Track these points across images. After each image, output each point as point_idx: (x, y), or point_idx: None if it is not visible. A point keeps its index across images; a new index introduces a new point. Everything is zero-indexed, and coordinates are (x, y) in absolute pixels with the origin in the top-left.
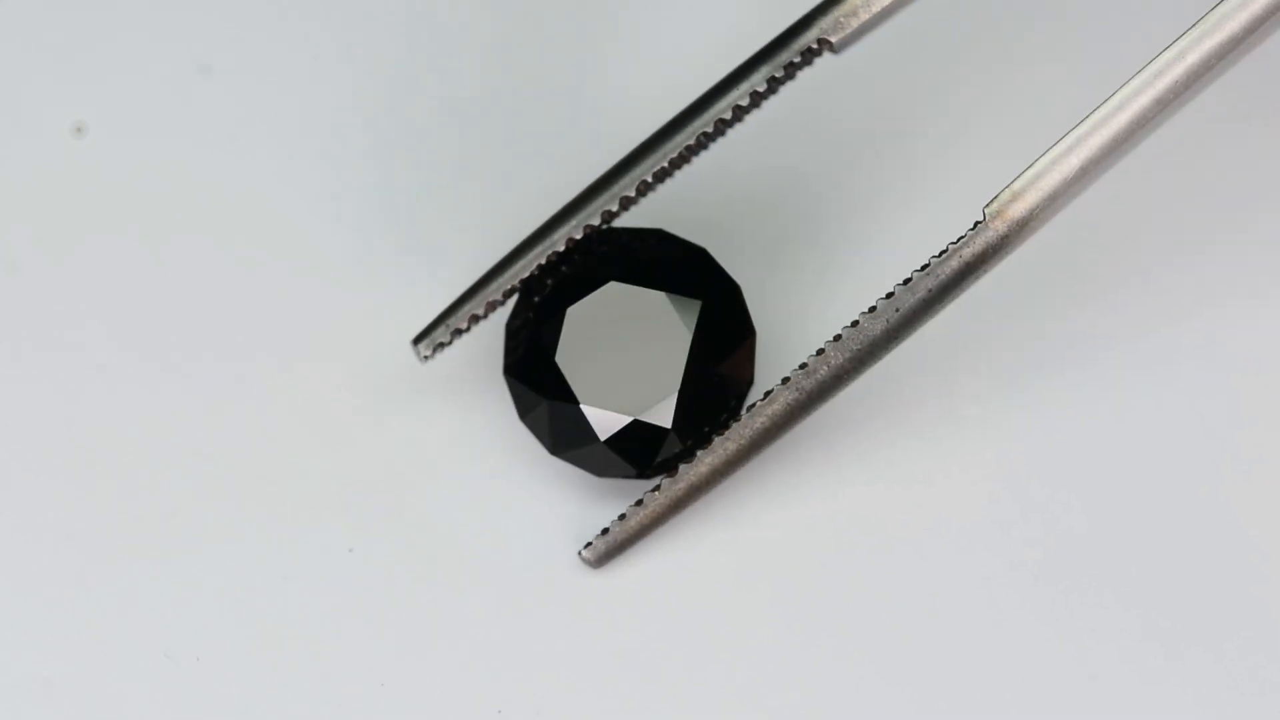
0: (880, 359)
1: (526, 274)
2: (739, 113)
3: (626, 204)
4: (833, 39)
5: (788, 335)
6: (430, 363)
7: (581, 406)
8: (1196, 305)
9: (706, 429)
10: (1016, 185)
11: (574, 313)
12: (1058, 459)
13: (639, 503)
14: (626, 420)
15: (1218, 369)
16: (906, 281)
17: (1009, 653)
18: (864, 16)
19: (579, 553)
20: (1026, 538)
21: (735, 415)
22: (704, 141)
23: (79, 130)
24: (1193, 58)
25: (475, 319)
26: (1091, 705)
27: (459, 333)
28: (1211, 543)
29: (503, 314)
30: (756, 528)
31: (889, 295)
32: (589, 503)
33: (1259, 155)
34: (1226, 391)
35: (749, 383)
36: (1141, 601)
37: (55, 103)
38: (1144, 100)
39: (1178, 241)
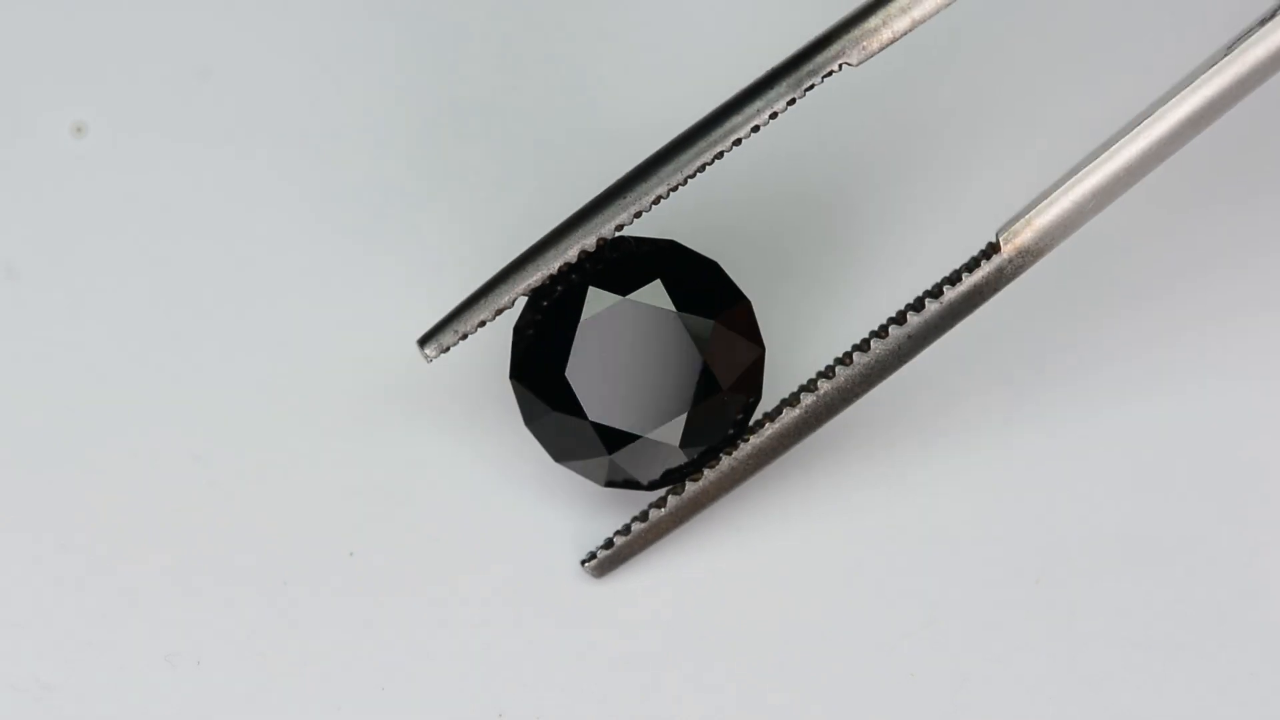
0: (887, 378)
1: (537, 283)
2: (755, 131)
3: (639, 214)
4: (852, 60)
5: (796, 351)
6: (435, 366)
7: (588, 420)
8: (1199, 316)
9: (712, 444)
10: (1029, 212)
11: (584, 326)
12: (1058, 463)
13: (643, 515)
14: (633, 435)
15: (1218, 378)
16: (917, 305)
17: (1009, 656)
18: (884, 38)
19: (581, 563)
20: (1027, 544)
21: (741, 431)
22: (719, 158)
23: (79, 130)
24: (1209, 90)
25: (482, 324)
26: (1092, 706)
27: (465, 337)
28: (1212, 545)
29: (510, 318)
30: (759, 540)
31: (898, 318)
32: (592, 512)
33: (1265, 167)
34: (1227, 399)
35: (756, 399)
36: (1141, 604)
37: (55, 103)
38: (1158, 131)
39: (1180, 254)
